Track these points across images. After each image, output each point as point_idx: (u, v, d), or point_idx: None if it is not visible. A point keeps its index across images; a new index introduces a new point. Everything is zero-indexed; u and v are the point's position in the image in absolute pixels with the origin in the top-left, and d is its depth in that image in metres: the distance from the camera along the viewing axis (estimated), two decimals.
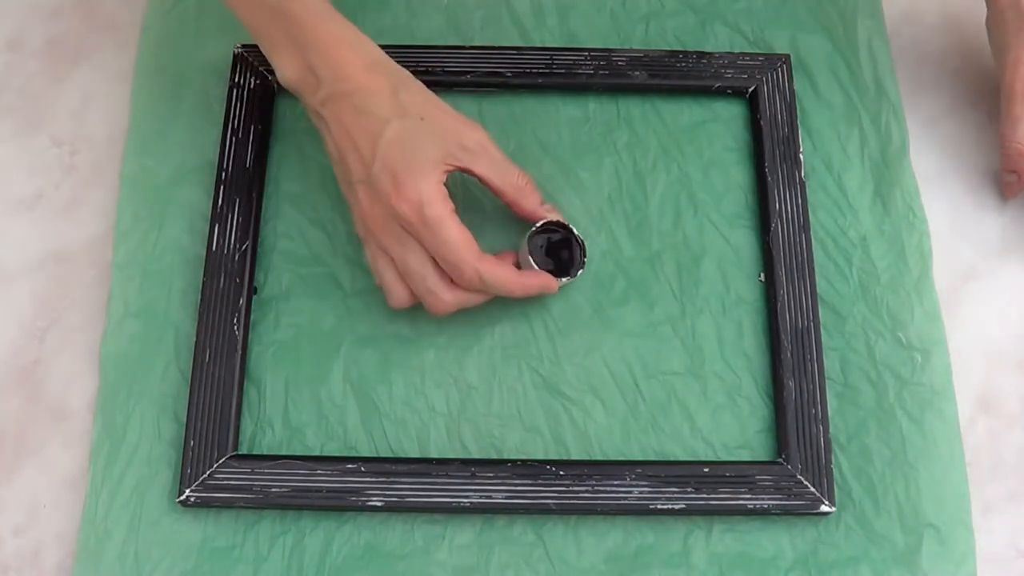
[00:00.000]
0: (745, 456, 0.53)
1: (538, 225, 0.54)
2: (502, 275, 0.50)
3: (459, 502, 0.50)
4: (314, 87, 0.50)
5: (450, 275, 0.50)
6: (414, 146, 0.48)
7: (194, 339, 0.54)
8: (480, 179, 0.52)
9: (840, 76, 0.61)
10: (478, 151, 0.51)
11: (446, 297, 0.51)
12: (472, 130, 0.51)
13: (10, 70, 0.62)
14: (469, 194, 0.58)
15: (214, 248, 0.55)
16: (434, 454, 0.53)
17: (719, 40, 0.62)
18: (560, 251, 0.55)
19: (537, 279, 0.52)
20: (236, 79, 0.59)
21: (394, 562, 0.51)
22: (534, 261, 0.54)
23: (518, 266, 0.54)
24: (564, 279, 0.54)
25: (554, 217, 0.54)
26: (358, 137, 0.49)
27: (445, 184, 0.49)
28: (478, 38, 0.62)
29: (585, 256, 0.54)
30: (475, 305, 0.52)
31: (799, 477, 0.51)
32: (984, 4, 0.59)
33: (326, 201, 0.58)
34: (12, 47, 0.63)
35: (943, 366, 0.55)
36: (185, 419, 0.52)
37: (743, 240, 0.58)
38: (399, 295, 0.52)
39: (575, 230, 0.55)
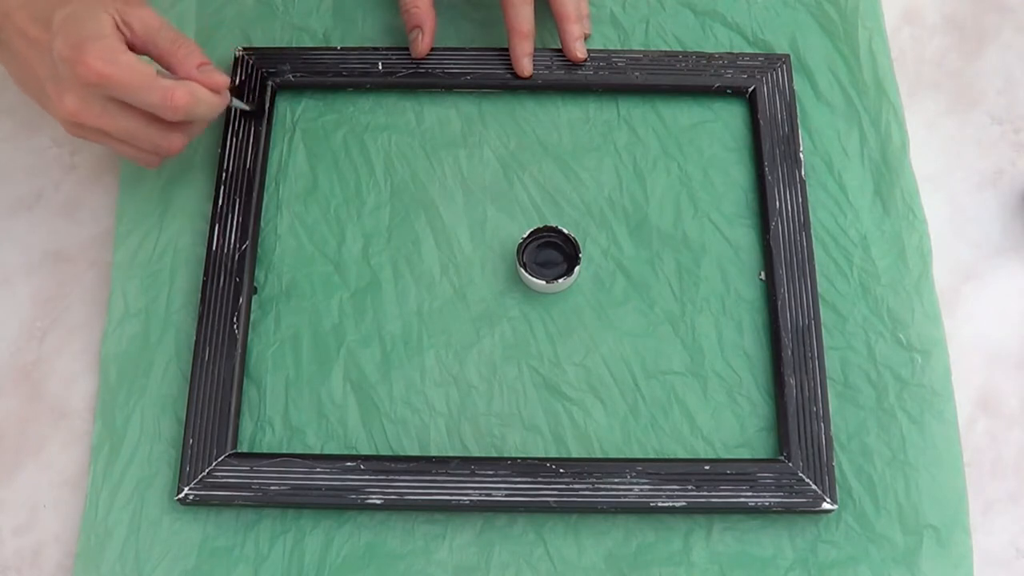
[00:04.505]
0: (745, 455, 0.53)
1: (527, 234, 0.55)
2: (200, 91, 0.51)
3: (459, 500, 0.50)
4: None
5: (160, 115, 0.50)
6: (83, 19, 0.49)
7: (194, 339, 0.54)
8: (148, 55, 0.52)
9: (840, 76, 0.61)
10: (138, 25, 0.51)
11: (175, 138, 0.52)
12: (135, 7, 0.51)
13: None
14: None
15: (214, 248, 0.55)
16: (434, 454, 0.53)
17: (719, 40, 0.62)
18: (553, 253, 0.55)
19: (219, 77, 0.53)
20: (236, 80, 0.59)
21: (394, 561, 0.51)
22: (527, 270, 0.54)
23: None
24: (563, 279, 0.54)
25: (217, 78, 0.52)
26: (32, 32, 0.50)
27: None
28: (478, 39, 0.62)
29: (580, 253, 0.55)
30: (199, 132, 0.55)
31: (800, 474, 0.51)
32: (984, 4, 0.59)
33: (326, 201, 0.58)
34: None
35: (943, 367, 0.55)
36: (184, 418, 0.52)
37: (743, 239, 0.58)
38: (143, 158, 0.53)
39: (564, 229, 0.55)
